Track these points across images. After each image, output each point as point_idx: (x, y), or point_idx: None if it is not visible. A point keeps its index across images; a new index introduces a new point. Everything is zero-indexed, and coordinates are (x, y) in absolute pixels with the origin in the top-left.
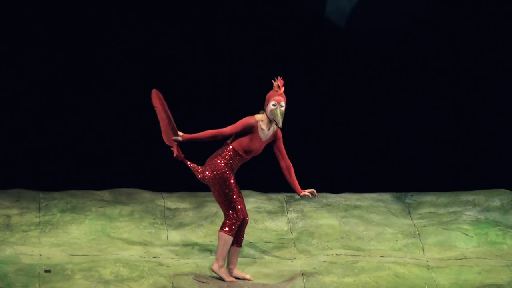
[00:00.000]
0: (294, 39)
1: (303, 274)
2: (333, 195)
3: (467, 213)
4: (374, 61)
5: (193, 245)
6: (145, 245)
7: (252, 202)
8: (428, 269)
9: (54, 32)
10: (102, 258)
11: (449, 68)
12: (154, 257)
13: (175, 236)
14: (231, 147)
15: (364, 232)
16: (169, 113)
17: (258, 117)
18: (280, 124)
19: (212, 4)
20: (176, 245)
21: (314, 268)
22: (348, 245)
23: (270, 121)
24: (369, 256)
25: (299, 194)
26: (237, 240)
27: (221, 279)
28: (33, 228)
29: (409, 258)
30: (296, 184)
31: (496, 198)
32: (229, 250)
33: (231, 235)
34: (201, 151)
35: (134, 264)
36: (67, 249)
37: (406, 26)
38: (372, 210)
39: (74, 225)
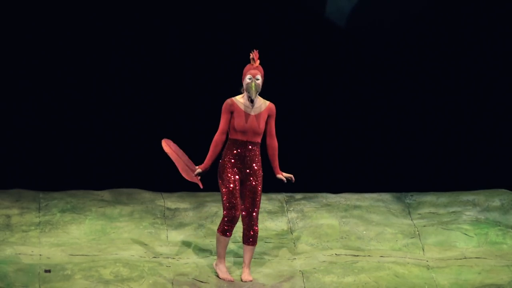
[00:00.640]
0: (294, 39)
1: (303, 274)
2: (333, 195)
3: (467, 213)
4: (374, 61)
5: (193, 245)
6: (145, 245)
7: None
8: (428, 269)
9: (54, 32)
10: (102, 258)
11: (449, 68)
12: (154, 257)
13: (175, 236)
14: (229, 138)
15: (364, 232)
16: (182, 153)
17: (238, 96)
18: (253, 96)
19: (212, 4)
20: (176, 245)
21: (314, 268)
22: (348, 245)
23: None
24: (369, 256)
25: (276, 175)
26: (243, 238)
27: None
28: (33, 228)
29: (409, 258)
30: (275, 164)
31: (496, 198)
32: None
33: (220, 233)
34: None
35: (134, 264)
36: (67, 249)
37: (406, 26)
38: (372, 210)
39: (74, 225)
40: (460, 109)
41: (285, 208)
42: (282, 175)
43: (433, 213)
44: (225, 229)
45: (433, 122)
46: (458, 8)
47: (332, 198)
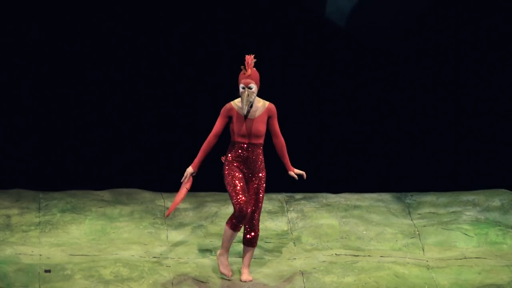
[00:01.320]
0: (294, 39)
1: (303, 274)
2: (333, 195)
3: (467, 213)
4: (374, 61)
5: (193, 245)
6: (145, 245)
7: None
8: (428, 269)
9: (54, 32)
10: (102, 258)
11: (449, 68)
12: (154, 257)
13: (175, 236)
14: (231, 140)
15: (364, 232)
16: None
17: (237, 100)
18: (244, 111)
19: (212, 4)
20: (176, 245)
21: (314, 268)
22: (348, 245)
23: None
24: (369, 256)
25: (287, 172)
26: (243, 239)
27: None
28: (33, 228)
29: (409, 258)
30: (286, 161)
31: (496, 198)
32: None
33: (229, 227)
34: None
35: (134, 264)
36: (67, 249)
37: (406, 26)
38: (372, 210)
39: (74, 225)
40: (460, 109)
41: (285, 208)
42: (294, 172)
43: (433, 213)
44: (235, 224)
45: (433, 122)
46: (458, 8)
47: (332, 198)
